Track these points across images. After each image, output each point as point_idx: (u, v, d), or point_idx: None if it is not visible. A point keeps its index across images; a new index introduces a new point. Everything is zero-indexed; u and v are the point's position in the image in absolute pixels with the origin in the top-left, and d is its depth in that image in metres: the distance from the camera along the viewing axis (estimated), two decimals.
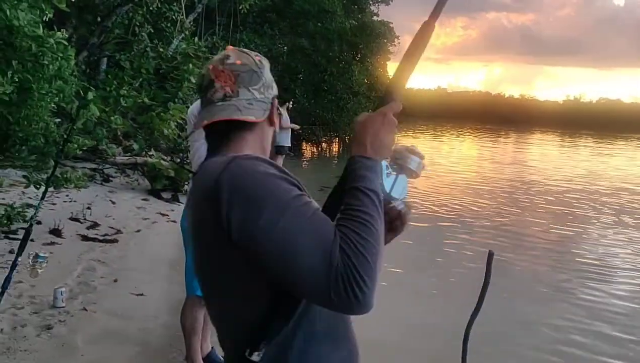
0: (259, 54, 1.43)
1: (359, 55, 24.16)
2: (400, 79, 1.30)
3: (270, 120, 1.40)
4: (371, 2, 26.88)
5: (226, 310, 1.30)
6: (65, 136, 6.11)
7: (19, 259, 3.53)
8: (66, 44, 4.80)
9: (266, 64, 1.42)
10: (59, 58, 5.40)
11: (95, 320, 4.34)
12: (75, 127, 6.43)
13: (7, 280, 3.54)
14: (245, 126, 1.34)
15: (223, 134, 1.34)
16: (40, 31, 4.56)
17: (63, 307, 4.43)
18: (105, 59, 12.57)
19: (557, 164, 23.94)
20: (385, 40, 25.64)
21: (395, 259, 6.28)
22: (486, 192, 14.35)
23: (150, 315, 4.56)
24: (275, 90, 1.42)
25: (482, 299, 1.48)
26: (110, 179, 10.13)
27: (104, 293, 4.90)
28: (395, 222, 1.44)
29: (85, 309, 4.48)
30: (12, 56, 5.25)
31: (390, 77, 1.33)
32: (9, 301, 4.26)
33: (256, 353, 1.19)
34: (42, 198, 3.62)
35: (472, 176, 17.97)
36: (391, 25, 26.14)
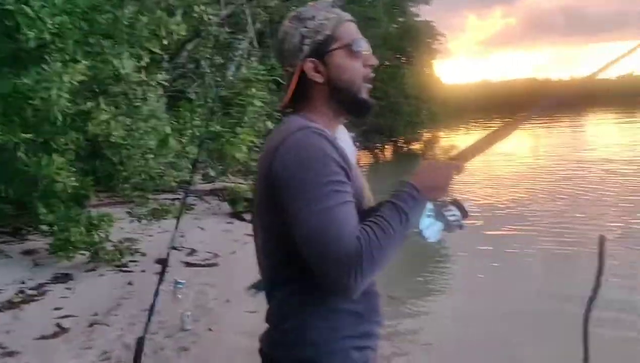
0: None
1: (406, 58, 24.26)
2: (473, 152, 1.48)
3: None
4: (411, 4, 26.90)
5: (264, 246, 1.49)
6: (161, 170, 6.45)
7: (161, 286, 3.81)
8: (166, 84, 5.12)
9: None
10: (149, 98, 5.77)
11: (224, 339, 4.59)
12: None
13: (152, 307, 3.83)
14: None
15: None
16: (143, 76, 4.89)
17: (190, 329, 4.71)
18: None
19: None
20: (429, 40, 25.68)
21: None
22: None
23: None
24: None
25: (598, 285, 1.65)
26: (192, 206, 10.52)
27: (221, 314, 5.17)
28: None
29: (210, 329, 4.76)
30: (108, 102, 5.65)
31: (468, 145, 1.50)
32: (142, 327, 4.55)
33: (275, 291, 1.46)
34: (176, 227, 3.90)
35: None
36: (433, 24, 26.20)
